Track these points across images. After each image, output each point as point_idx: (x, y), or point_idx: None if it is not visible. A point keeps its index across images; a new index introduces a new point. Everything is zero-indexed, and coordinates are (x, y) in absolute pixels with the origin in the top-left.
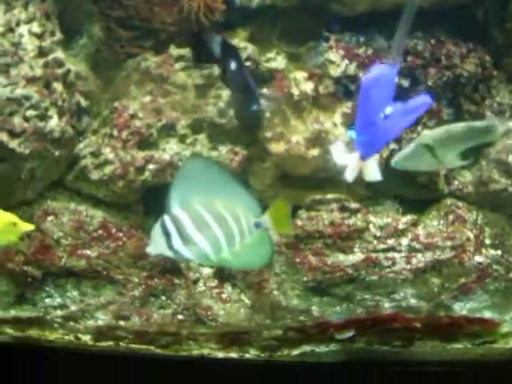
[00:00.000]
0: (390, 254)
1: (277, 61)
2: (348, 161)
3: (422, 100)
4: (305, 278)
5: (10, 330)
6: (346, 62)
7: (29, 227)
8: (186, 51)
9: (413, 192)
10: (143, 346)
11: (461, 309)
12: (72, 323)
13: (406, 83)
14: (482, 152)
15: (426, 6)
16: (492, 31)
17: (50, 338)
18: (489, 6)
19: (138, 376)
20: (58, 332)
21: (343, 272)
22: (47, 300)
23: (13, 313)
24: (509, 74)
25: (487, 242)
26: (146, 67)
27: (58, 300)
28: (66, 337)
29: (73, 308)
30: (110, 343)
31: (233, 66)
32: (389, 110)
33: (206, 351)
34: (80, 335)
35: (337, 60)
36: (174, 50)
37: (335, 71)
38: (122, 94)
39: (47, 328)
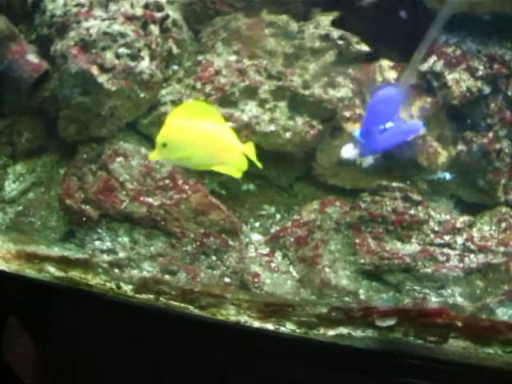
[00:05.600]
0: (445, 250)
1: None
2: (350, 155)
3: (415, 125)
4: (362, 261)
5: (52, 269)
6: (434, 58)
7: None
8: (277, 18)
9: (470, 195)
10: (182, 305)
11: (503, 314)
12: (117, 270)
13: (487, 90)
14: None
15: None
16: None
17: (91, 282)
18: None
19: (164, 333)
20: (100, 277)
21: (401, 260)
22: (97, 243)
23: (56, 250)
24: None
25: None
26: (236, 27)
27: (108, 244)
28: (108, 284)
29: (121, 255)
30: (150, 296)
31: None
32: (389, 124)
33: (243, 318)
34: (122, 284)
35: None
36: (267, 16)
37: (422, 65)
38: (208, 49)
39: (91, 272)
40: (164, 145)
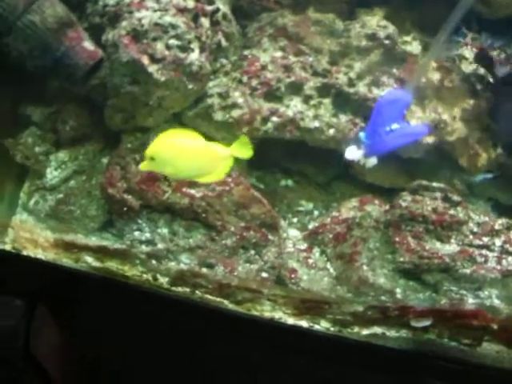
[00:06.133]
0: (483, 252)
1: (412, 45)
2: (354, 156)
3: (420, 128)
4: (401, 259)
5: (89, 259)
6: None
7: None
8: (323, 16)
9: (508, 198)
10: (218, 299)
11: None
12: (154, 262)
13: None
14: None
15: None
16: None
17: (128, 273)
18: None
19: (197, 327)
20: (137, 269)
21: (440, 260)
22: (136, 233)
23: (93, 240)
24: None
25: None
26: (282, 24)
27: (147, 235)
28: (144, 275)
29: (160, 246)
30: (186, 289)
31: None
32: (394, 126)
33: (277, 315)
34: (158, 276)
35: (470, 58)
36: (313, 14)
37: (466, 67)
38: (254, 44)
39: (128, 263)
40: (152, 158)
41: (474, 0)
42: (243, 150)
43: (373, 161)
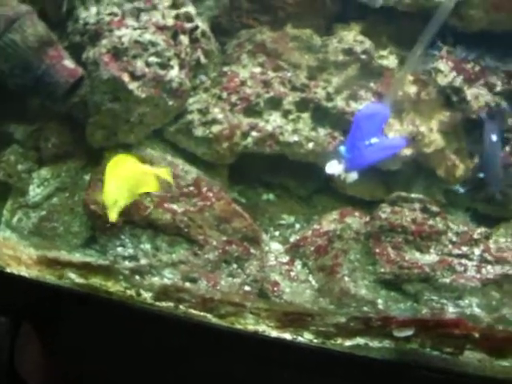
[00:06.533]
0: (463, 261)
1: (389, 59)
2: (335, 171)
3: (398, 141)
4: (381, 270)
5: (72, 275)
6: (454, 74)
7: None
8: (301, 32)
9: (486, 207)
10: (201, 313)
11: None
12: (137, 277)
13: (505, 105)
14: None
15: None
16: None
17: (111, 289)
18: None
19: (180, 341)
20: (120, 284)
21: (420, 270)
22: (119, 249)
23: (77, 256)
24: None
25: None
26: (261, 40)
27: (130, 251)
28: (128, 291)
29: (143, 261)
30: (170, 304)
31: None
32: (374, 140)
33: (261, 328)
34: (142, 291)
35: (445, 70)
36: (291, 30)
37: (442, 80)
38: (233, 60)
39: (112, 278)
40: (115, 202)
41: (449, 14)
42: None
43: (353, 176)
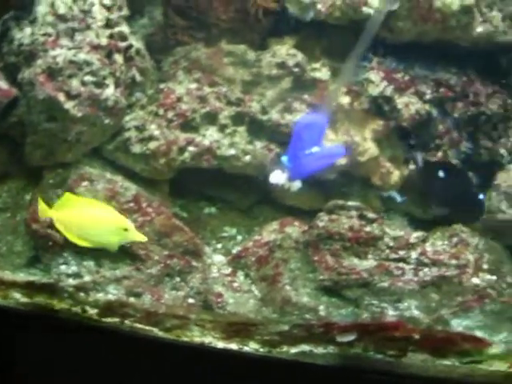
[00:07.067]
0: (400, 265)
1: (322, 71)
2: (279, 180)
3: (337, 148)
4: (321, 277)
5: (17, 295)
6: (385, 83)
7: (140, 237)
8: (235, 48)
9: (423, 212)
10: (147, 327)
11: (458, 325)
12: (82, 294)
13: (435, 112)
14: (492, 185)
15: (464, 46)
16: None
17: (57, 307)
18: None
19: (131, 357)
20: (66, 302)
21: (358, 275)
22: (62, 267)
23: (21, 275)
24: None
25: (485, 266)
26: (196, 56)
27: (74, 268)
28: (74, 308)
29: (87, 278)
30: (116, 320)
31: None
32: (314, 149)
33: (207, 339)
34: (87, 308)
35: (376, 80)
36: (225, 46)
37: (373, 90)
38: (169, 77)
39: (57, 297)
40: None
41: (379, 26)
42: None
43: (297, 184)
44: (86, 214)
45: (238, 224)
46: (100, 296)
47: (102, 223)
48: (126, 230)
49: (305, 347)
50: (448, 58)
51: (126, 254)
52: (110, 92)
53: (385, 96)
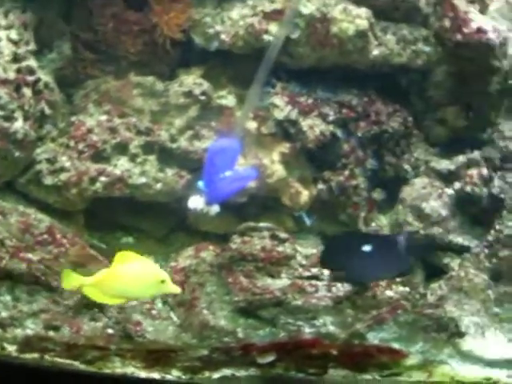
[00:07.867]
0: (313, 282)
1: (228, 99)
2: (197, 205)
3: (250, 171)
4: (235, 298)
5: None
6: (289, 107)
7: (175, 290)
8: (144, 79)
9: (333, 229)
10: (67, 361)
11: (374, 338)
12: (0, 331)
13: (339, 133)
14: (398, 199)
15: (363, 68)
16: (413, 98)
17: None
18: (411, 76)
19: None
20: None
21: (272, 295)
22: None
23: None
24: (426, 135)
25: (397, 279)
26: (106, 89)
27: None
28: None
29: (3, 314)
30: (35, 355)
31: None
32: (228, 173)
33: (129, 370)
34: (6, 345)
35: (281, 105)
36: (134, 78)
37: (279, 114)
38: (80, 110)
39: None
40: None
41: (278, 52)
42: None
43: (215, 208)
44: (123, 272)
45: (154, 252)
46: (18, 332)
47: (141, 278)
48: (163, 282)
49: (226, 371)
50: (349, 80)
51: (42, 286)
52: (19, 125)
53: (290, 119)
